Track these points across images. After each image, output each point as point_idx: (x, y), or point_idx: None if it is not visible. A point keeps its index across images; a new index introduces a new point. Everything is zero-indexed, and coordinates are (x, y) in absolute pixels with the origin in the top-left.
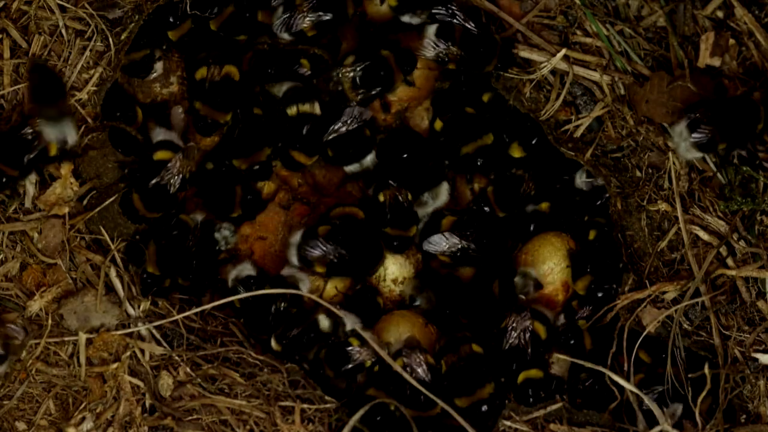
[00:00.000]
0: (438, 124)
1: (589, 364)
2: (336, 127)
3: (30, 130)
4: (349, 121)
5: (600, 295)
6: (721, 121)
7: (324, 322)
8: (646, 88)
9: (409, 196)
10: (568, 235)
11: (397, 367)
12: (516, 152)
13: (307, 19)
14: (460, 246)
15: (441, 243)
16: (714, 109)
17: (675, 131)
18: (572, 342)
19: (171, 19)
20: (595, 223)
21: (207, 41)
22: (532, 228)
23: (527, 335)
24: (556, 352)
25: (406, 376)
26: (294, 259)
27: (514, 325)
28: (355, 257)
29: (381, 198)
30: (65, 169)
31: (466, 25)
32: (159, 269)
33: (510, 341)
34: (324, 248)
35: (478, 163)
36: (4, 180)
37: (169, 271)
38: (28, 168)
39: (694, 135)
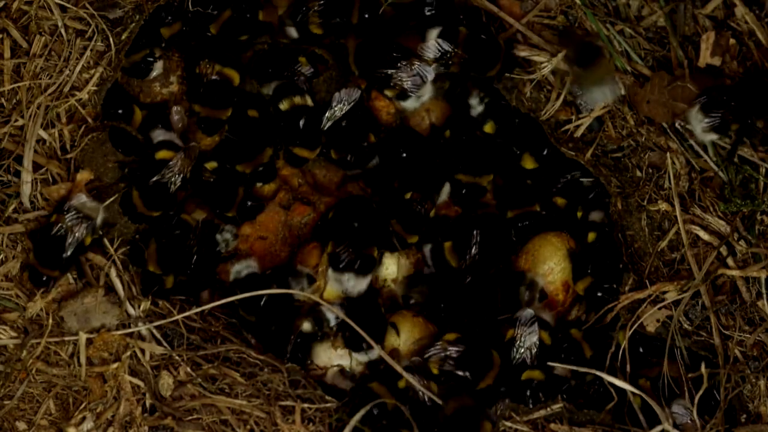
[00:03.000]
0: (447, 133)
1: (585, 369)
2: (329, 115)
3: (61, 226)
4: (340, 105)
5: (599, 295)
6: (733, 101)
7: (306, 326)
8: (647, 89)
9: (431, 214)
10: (567, 234)
11: (401, 370)
12: (528, 163)
13: (316, 17)
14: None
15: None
16: (726, 91)
17: (690, 114)
18: (572, 357)
19: (164, 16)
20: (594, 225)
21: (206, 41)
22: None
23: (534, 351)
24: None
25: (415, 383)
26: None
27: (523, 340)
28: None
29: (407, 195)
30: (82, 175)
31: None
32: (160, 268)
33: (517, 356)
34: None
35: (463, 195)
36: (44, 279)
37: (170, 270)
38: (68, 264)
39: (707, 119)
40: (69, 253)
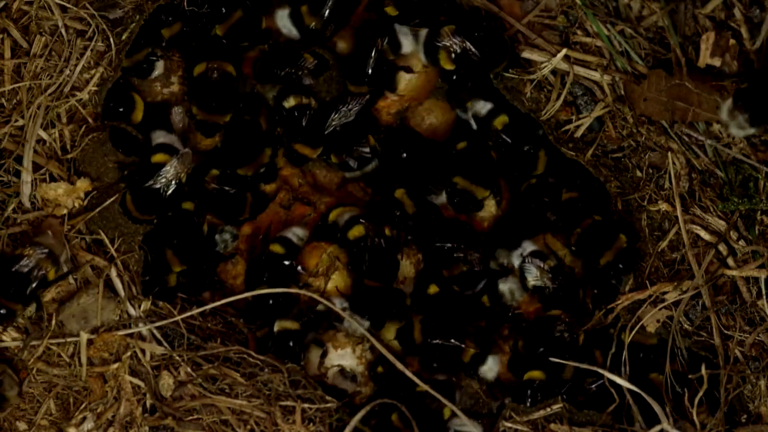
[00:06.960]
0: (461, 145)
1: (587, 367)
2: (336, 117)
3: (27, 262)
4: (348, 107)
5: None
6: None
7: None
8: (644, 86)
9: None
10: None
11: (403, 368)
12: (540, 165)
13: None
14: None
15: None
16: (757, 83)
17: (723, 110)
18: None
19: (164, 17)
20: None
21: (205, 41)
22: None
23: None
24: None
25: (416, 379)
26: None
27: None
28: None
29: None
30: (82, 184)
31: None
32: (183, 264)
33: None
34: None
35: (455, 201)
36: (4, 312)
37: (193, 261)
38: (31, 298)
39: (743, 113)
40: (34, 285)
